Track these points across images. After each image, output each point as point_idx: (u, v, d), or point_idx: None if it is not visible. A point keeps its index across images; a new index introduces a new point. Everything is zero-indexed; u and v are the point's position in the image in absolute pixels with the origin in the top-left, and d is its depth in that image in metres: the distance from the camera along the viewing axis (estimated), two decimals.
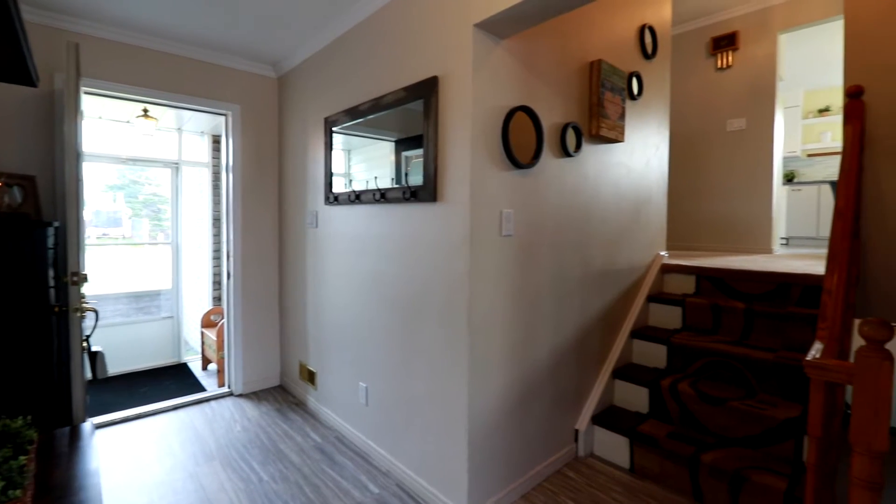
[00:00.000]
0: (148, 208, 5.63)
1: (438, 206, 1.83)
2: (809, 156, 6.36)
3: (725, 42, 4.16)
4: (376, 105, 2.15)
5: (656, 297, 2.74)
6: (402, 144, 2.08)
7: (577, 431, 2.28)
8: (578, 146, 2.19)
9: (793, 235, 5.81)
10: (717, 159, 4.24)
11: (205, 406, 2.95)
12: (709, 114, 4.27)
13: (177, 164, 4.82)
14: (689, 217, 4.37)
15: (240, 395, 3.12)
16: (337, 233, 2.53)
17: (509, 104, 1.83)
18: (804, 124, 6.31)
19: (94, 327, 2.01)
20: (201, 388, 3.43)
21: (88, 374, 2.01)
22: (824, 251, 4.24)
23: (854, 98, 2.18)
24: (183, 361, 4.35)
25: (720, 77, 4.23)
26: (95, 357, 2.08)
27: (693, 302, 2.58)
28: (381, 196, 2.10)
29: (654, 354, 2.53)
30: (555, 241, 2.10)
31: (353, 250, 2.39)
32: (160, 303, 5.18)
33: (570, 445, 2.26)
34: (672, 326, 2.66)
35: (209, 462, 2.26)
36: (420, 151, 1.91)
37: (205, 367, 3.97)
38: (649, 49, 2.79)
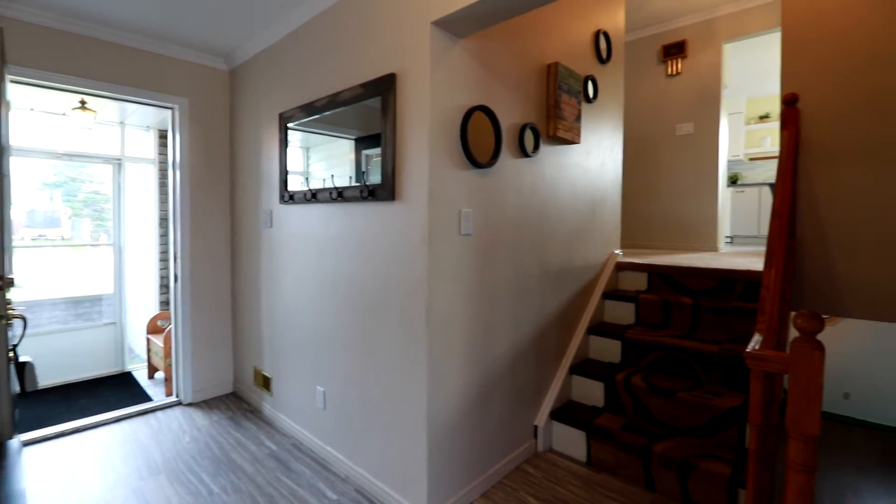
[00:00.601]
0: (89, 207, 5.25)
1: (397, 205, 1.80)
2: (751, 159, 6.77)
3: (675, 50, 4.36)
4: (333, 101, 2.10)
5: (611, 294, 2.83)
6: (363, 143, 2.03)
7: (536, 427, 2.32)
8: (536, 147, 2.22)
9: (736, 234, 6.17)
10: (667, 162, 4.43)
11: (151, 417, 2.79)
12: (660, 118, 4.46)
13: (119, 160, 4.52)
14: (641, 217, 4.55)
15: (189, 405, 2.96)
16: (293, 233, 2.45)
17: (468, 103, 1.83)
18: (747, 130, 6.71)
19: (23, 336, 1.84)
20: (147, 398, 3.24)
21: (16, 387, 1.85)
22: (764, 248, 4.53)
23: (790, 105, 2.33)
24: (127, 370, 4.09)
25: (670, 83, 4.42)
26: (24, 368, 1.91)
27: (645, 298, 2.68)
28: (339, 195, 2.05)
29: (609, 350, 2.61)
30: (513, 241, 2.12)
31: (309, 251, 2.32)
32: (102, 308, 4.85)
33: (530, 441, 2.29)
34: (626, 322, 2.75)
35: (155, 476, 2.13)
36: (380, 150, 1.87)
37: (151, 376, 3.75)
38: (604, 54, 2.87)
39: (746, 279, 2.50)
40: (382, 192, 1.83)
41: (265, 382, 2.75)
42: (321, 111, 2.19)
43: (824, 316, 2.24)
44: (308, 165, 2.42)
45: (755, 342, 1.40)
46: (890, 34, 2.08)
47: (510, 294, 2.11)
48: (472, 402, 1.92)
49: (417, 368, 1.74)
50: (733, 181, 6.80)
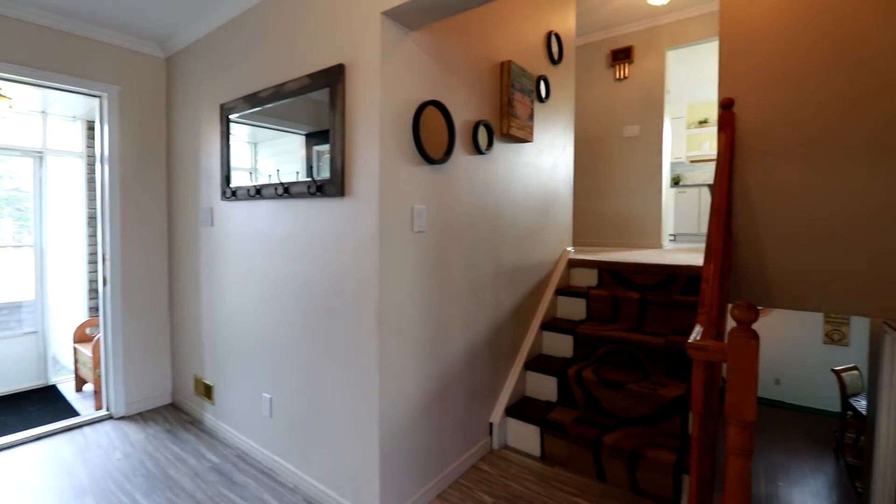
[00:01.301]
0: (11, 206, 4.75)
1: (346, 201, 1.74)
2: (692, 162, 7.18)
3: (622, 55, 4.53)
4: (278, 92, 2.00)
5: (564, 290, 2.89)
6: (314, 138, 1.94)
7: (491, 425, 2.32)
8: (490, 144, 2.22)
9: (679, 232, 6.51)
10: (615, 162, 4.59)
11: (77, 433, 2.54)
12: (608, 120, 4.62)
13: (40, 152, 4.12)
14: (590, 215, 4.69)
15: (122, 418, 2.73)
16: (236, 232, 2.31)
17: (420, 98, 1.79)
18: (687, 134, 7.11)
19: None
20: (74, 413, 2.96)
21: None
22: (704, 245, 4.81)
23: (726, 109, 2.47)
24: (51, 383, 3.73)
25: (618, 87, 4.59)
26: None
27: (595, 294, 2.75)
28: (285, 191, 1.95)
29: (562, 345, 2.65)
30: (468, 238, 2.11)
31: (254, 250, 2.19)
32: (21, 316, 4.39)
33: (485, 439, 2.28)
34: (578, 317, 2.81)
35: (80, 499, 1.94)
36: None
37: (79, 389, 3.44)
38: (556, 55, 2.93)
39: (688, 274, 2.62)
40: (331, 187, 1.76)
41: (206, 391, 2.58)
42: (266, 103, 2.07)
43: (759, 308, 2.38)
44: (256, 162, 2.29)
45: (696, 333, 1.45)
46: (816, 46, 2.24)
47: (465, 292, 2.10)
48: (426, 402, 1.89)
49: (369, 370, 1.68)
50: (676, 182, 7.18)
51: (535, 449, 2.26)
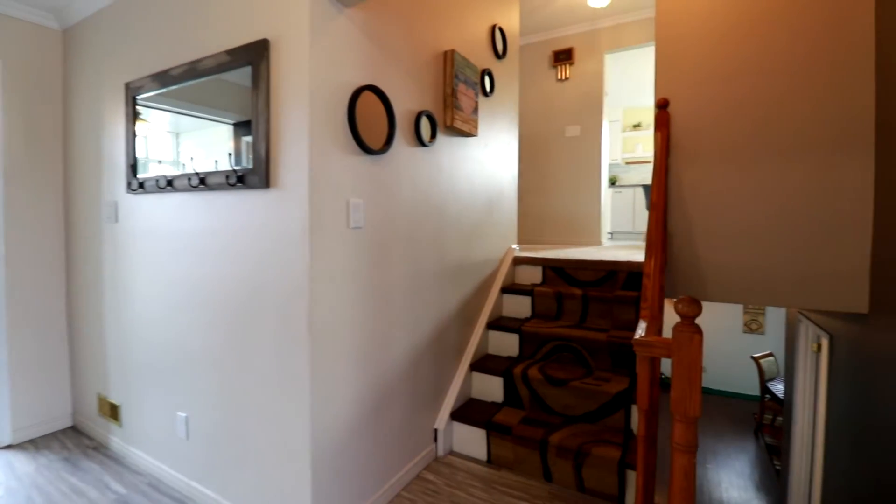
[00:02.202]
0: None
1: (272, 194, 1.55)
2: (627, 163, 7.52)
3: (564, 56, 4.61)
4: (192, 70, 1.76)
5: (509, 288, 2.85)
6: (243, 128, 1.72)
7: (436, 431, 2.21)
8: (433, 136, 2.12)
9: (616, 230, 6.79)
10: (557, 161, 4.67)
11: None
12: (550, 120, 4.68)
13: None
14: (533, 213, 4.74)
15: (8, 447, 2.33)
16: (145, 229, 2.03)
17: (356, 82, 1.65)
18: (623, 136, 7.43)
19: None
20: None
21: None
22: (640, 243, 5.02)
23: (662, 109, 2.53)
24: None
25: (560, 87, 4.67)
26: None
27: (540, 291, 2.73)
28: (201, 182, 1.73)
29: (507, 343, 2.61)
30: (410, 235, 1.99)
31: (166, 250, 1.93)
32: None
33: (430, 446, 2.18)
34: (523, 315, 2.78)
35: None
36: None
37: None
38: (500, 49, 2.88)
39: (628, 270, 2.67)
40: (254, 177, 1.57)
41: (112, 411, 2.26)
42: (178, 82, 1.83)
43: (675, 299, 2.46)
44: (179, 154, 2.02)
45: (641, 329, 1.43)
46: (745, 51, 2.35)
47: (407, 292, 1.98)
48: (365, 412, 1.75)
49: (299, 382, 1.51)
50: (612, 182, 7.49)
51: (481, 453, 2.19)
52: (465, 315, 2.49)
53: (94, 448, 2.33)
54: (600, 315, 2.56)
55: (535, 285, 2.87)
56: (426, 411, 2.15)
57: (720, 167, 2.43)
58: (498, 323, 2.66)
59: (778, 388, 4.86)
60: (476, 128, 2.46)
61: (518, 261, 3.02)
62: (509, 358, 2.57)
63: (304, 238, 1.47)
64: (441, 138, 2.22)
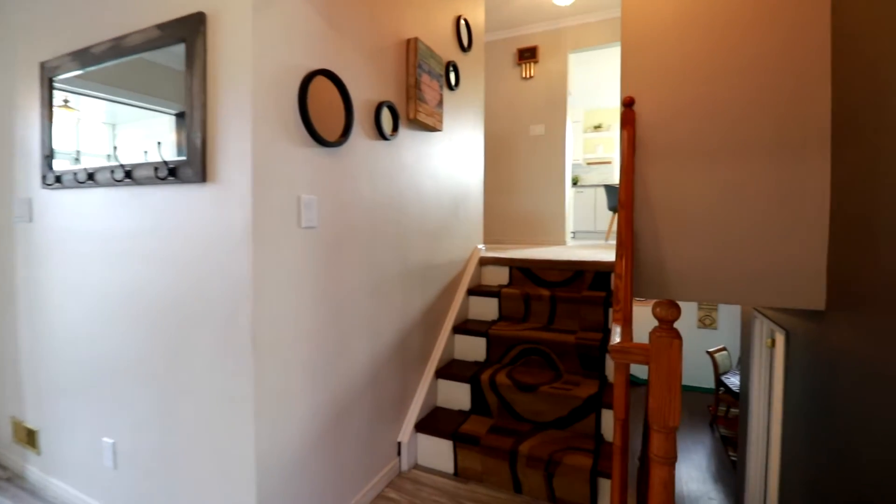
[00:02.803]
0: None
1: (210, 189, 1.37)
2: (588, 164, 7.63)
3: (528, 54, 4.57)
4: (117, 48, 1.54)
5: (475, 290, 2.75)
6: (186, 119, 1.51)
7: (399, 444, 2.08)
8: (395, 129, 1.98)
9: (577, 230, 6.87)
10: (522, 160, 4.63)
11: None
12: (515, 118, 4.63)
13: None
14: (498, 212, 4.68)
15: None
16: (64, 229, 1.78)
17: (309, 65, 1.49)
18: (584, 137, 7.54)
19: None
20: None
21: None
22: (601, 242, 5.07)
23: (628, 107, 2.51)
24: None
25: (524, 86, 4.63)
26: None
27: (507, 292, 2.65)
28: (127, 175, 1.51)
29: (474, 348, 2.51)
30: (371, 235, 1.84)
31: (88, 253, 1.69)
32: None
33: (393, 461, 2.04)
34: (490, 318, 2.69)
35: None
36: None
37: None
38: (465, 41, 2.77)
39: (595, 269, 2.64)
40: (188, 170, 1.38)
41: (30, 437, 1.98)
42: (101, 61, 1.60)
43: (639, 299, 2.45)
44: (115, 149, 1.77)
45: (616, 334, 1.36)
46: (707, 51, 2.35)
47: (367, 296, 1.83)
48: (321, 430, 1.59)
49: (241, 401, 1.34)
50: (574, 182, 7.58)
51: (448, 466, 2.07)
52: (430, 319, 2.37)
53: (8, 479, 2.03)
54: (568, 316, 2.51)
55: (501, 286, 2.79)
56: (389, 424, 2.01)
57: (684, 166, 2.43)
58: (464, 326, 2.56)
59: (732, 381, 5.04)
60: (441, 122, 2.34)
61: (484, 261, 2.93)
62: (476, 363, 2.47)
63: (246, 239, 1.30)
64: (404, 132, 2.08)
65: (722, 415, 5.12)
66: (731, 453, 4.33)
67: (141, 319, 1.54)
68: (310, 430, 1.53)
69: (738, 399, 4.35)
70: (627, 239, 1.83)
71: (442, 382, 2.34)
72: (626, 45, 2.54)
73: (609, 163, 7.44)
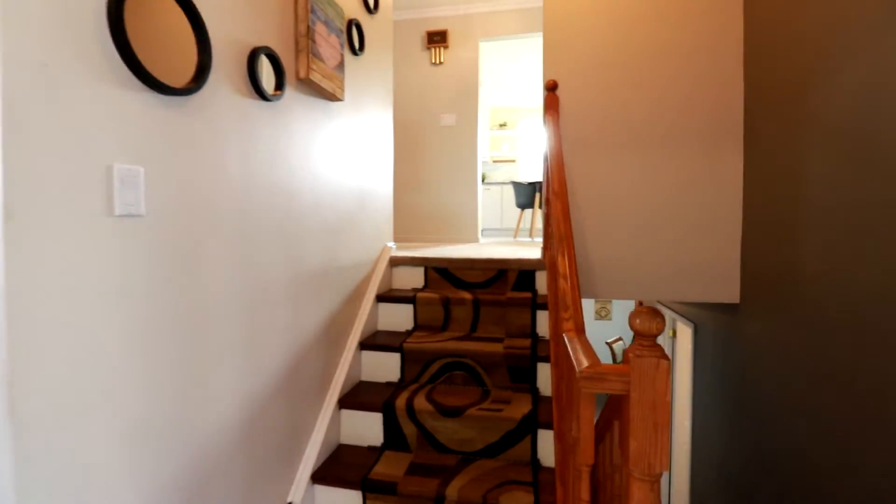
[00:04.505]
0: None
1: None
2: (494, 161, 7.61)
3: (438, 38, 4.25)
4: None
5: (386, 296, 2.34)
6: None
7: None
8: (280, 88, 1.48)
9: (485, 227, 6.78)
10: (432, 152, 4.31)
11: None
12: (424, 106, 4.30)
13: None
14: (408, 207, 4.31)
15: None
16: None
17: None
18: (490, 135, 7.49)
19: None
20: None
21: None
22: (510, 239, 4.96)
23: (551, 91, 2.30)
24: None
25: (434, 72, 4.30)
26: None
27: (424, 297, 2.28)
28: None
29: (386, 366, 2.09)
30: (245, 230, 1.34)
31: None
32: None
33: None
34: (404, 328, 2.30)
35: None
36: None
37: None
38: (371, 2, 2.34)
39: (519, 268, 2.39)
40: None
41: None
42: None
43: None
44: None
45: (580, 354, 1.06)
46: (622, 40, 2.25)
47: (240, 314, 1.32)
48: None
49: None
50: (482, 179, 7.51)
51: None
52: (332, 335, 1.90)
53: None
54: (493, 321, 2.22)
55: (417, 290, 2.41)
56: (274, 479, 1.51)
57: (605, 154, 2.29)
58: (374, 341, 2.13)
59: None
60: (342, 90, 1.88)
61: (396, 261, 2.53)
62: (389, 384, 2.05)
63: None
64: (293, 95, 1.59)
65: None
66: None
67: None
68: None
69: None
70: (567, 233, 1.57)
71: (347, 414, 1.89)
72: (548, 30, 2.35)
73: (514, 161, 7.49)
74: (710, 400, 2.71)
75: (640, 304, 3.54)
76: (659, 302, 3.64)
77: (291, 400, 1.59)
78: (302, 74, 1.60)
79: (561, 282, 1.40)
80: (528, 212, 5.72)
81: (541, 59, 2.48)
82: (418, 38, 4.27)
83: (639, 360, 0.87)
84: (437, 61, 4.27)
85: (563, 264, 1.44)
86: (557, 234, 1.57)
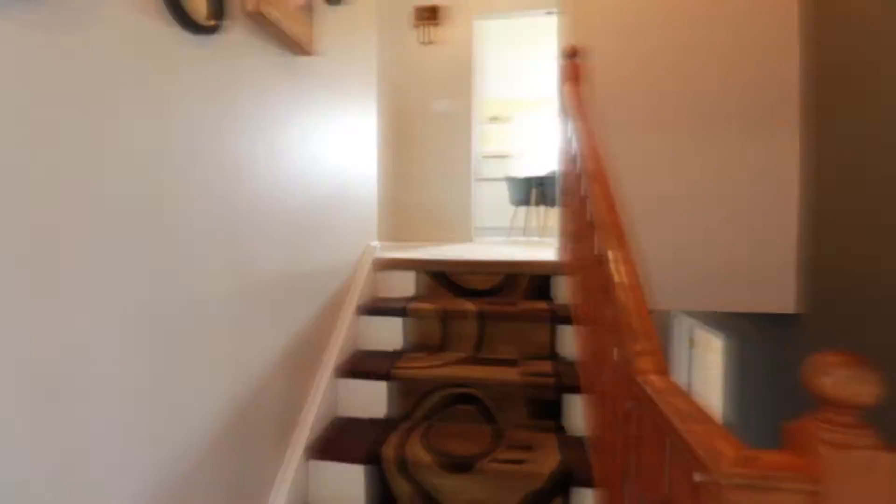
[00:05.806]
0: None
1: None
2: (484, 157, 7.20)
3: (427, 15, 3.82)
4: None
5: (370, 307, 1.89)
6: None
7: None
8: (217, 17, 1.03)
9: (477, 225, 6.36)
10: (423, 142, 3.89)
11: None
12: (413, 91, 3.87)
13: None
14: (394, 203, 3.86)
15: None
16: None
17: None
18: (480, 129, 7.08)
19: None
20: None
21: None
22: (505, 238, 4.55)
23: (571, 59, 1.89)
24: None
25: (424, 52, 3.88)
26: None
27: (417, 309, 1.85)
28: None
29: (370, 398, 1.64)
30: (148, 223, 0.88)
31: None
32: None
33: None
34: (392, 348, 1.86)
35: None
36: None
37: None
38: None
39: (531, 272, 1.98)
40: None
41: None
42: None
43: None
44: None
45: (691, 422, 0.65)
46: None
47: (137, 351, 0.86)
48: None
49: None
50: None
51: None
52: (297, 361, 1.45)
53: None
54: (504, 339, 1.79)
55: (408, 300, 1.97)
56: None
57: (627, 136, 1.91)
58: (354, 366, 1.68)
59: None
60: (311, 40, 1.43)
61: (382, 264, 2.09)
62: (374, 422, 1.60)
63: None
64: (241, 36, 1.14)
65: None
66: None
67: None
68: None
69: None
70: (615, 222, 1.16)
71: (318, 467, 1.43)
72: None
73: (506, 157, 7.10)
74: (748, 419, 2.34)
75: (651, 312, 3.18)
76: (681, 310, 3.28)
77: (236, 456, 1.14)
78: (251, 8, 1.15)
79: (619, 294, 0.98)
80: (522, 209, 5.33)
81: (539, 46, 2.07)
82: (405, 15, 3.84)
83: (838, 455, 0.46)
84: (427, 40, 3.84)
85: (617, 269, 1.03)
86: (605, 223, 1.15)
